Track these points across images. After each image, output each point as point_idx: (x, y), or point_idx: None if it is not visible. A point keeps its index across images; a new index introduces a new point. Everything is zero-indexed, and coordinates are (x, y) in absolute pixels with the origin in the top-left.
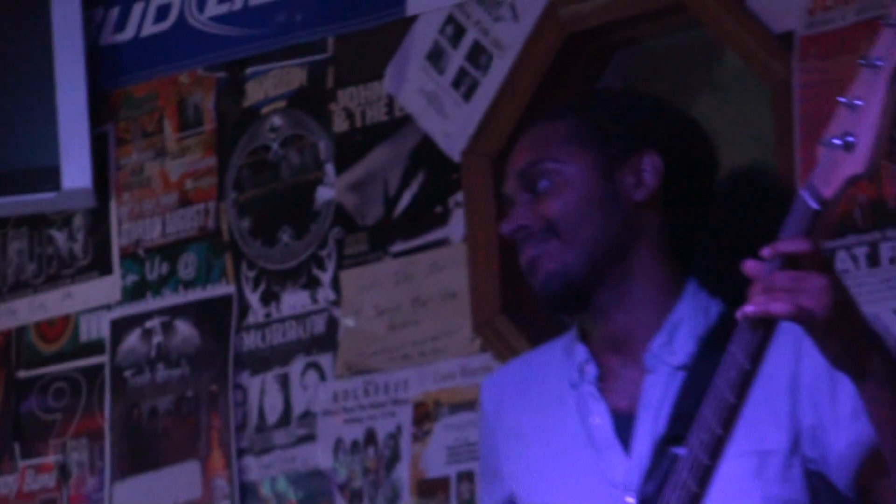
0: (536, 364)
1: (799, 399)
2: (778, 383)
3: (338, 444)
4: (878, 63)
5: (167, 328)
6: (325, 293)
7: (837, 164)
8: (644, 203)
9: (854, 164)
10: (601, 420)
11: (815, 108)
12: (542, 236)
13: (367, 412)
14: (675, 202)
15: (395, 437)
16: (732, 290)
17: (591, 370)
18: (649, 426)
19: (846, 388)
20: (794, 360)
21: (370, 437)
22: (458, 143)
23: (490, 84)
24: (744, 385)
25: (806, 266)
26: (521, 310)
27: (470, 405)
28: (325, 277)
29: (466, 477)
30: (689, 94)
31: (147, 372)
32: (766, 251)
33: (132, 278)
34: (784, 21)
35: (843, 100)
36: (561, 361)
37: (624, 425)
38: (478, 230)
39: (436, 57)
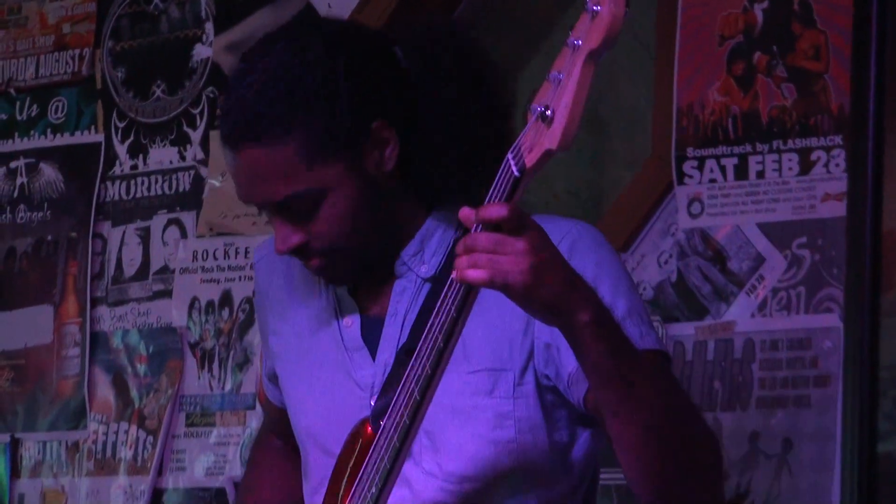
0: None
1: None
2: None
3: (193, 302)
4: (576, 43)
5: (32, 170)
6: (194, 151)
7: (540, 134)
8: (396, 166)
9: (551, 138)
10: (351, 322)
11: (698, 14)
12: (322, 252)
13: (224, 273)
14: (416, 141)
15: (250, 301)
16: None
17: None
18: (395, 333)
19: None
20: None
21: (226, 298)
22: (341, 13)
23: None
24: (455, 324)
25: (506, 229)
26: None
27: None
28: (195, 136)
29: None
30: None
31: (8, 212)
32: (465, 213)
33: (0, 117)
34: None
35: (552, 73)
36: None
37: (374, 330)
38: None
39: None
